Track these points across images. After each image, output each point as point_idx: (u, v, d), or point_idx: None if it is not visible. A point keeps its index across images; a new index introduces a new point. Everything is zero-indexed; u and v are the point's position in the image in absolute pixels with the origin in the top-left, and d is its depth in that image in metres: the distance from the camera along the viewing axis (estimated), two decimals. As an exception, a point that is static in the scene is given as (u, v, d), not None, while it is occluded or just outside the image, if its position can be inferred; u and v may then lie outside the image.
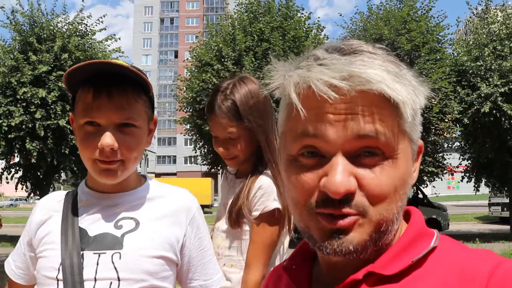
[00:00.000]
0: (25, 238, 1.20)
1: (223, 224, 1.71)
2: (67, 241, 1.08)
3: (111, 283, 1.05)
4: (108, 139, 1.04)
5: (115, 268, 1.06)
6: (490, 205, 21.70)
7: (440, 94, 13.32)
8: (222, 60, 13.57)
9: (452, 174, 17.15)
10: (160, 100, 66.69)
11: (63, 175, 16.34)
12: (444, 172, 15.87)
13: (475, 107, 13.78)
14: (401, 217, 0.66)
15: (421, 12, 15.35)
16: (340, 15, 17.24)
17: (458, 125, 14.96)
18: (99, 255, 1.07)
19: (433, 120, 13.64)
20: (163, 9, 73.13)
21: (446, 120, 14.35)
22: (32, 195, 15.59)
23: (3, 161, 14.60)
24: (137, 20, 73.47)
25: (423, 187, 16.32)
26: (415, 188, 16.00)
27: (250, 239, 1.62)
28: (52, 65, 12.93)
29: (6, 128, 12.65)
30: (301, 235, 0.68)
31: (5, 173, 14.83)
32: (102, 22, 14.52)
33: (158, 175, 58.17)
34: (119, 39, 15.08)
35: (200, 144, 15.58)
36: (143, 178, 1.25)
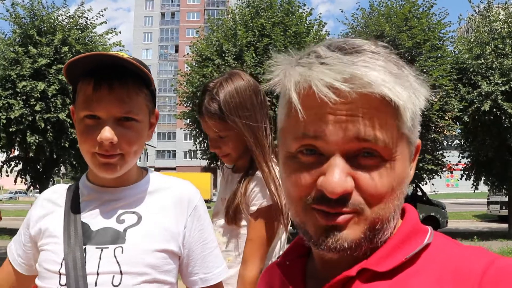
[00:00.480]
0: (26, 230, 1.20)
1: (221, 220, 1.71)
2: (70, 235, 1.08)
3: (113, 276, 1.05)
4: (107, 132, 1.03)
5: (118, 262, 1.06)
6: (488, 203, 21.73)
7: (440, 92, 13.31)
8: (223, 55, 13.54)
9: (452, 172, 17.18)
10: (160, 94, 66.60)
11: (62, 169, 16.35)
12: (444, 170, 15.88)
13: (476, 105, 13.77)
14: (397, 215, 0.66)
15: (423, 9, 15.31)
16: (342, 11, 17.19)
17: (458, 123, 14.96)
18: (101, 250, 1.07)
19: (433, 117, 13.64)
20: (164, 3, 72.91)
21: (446, 118, 14.35)
22: (31, 188, 15.61)
23: (3, 154, 14.60)
24: (138, 14, 73.27)
25: (422, 185, 16.34)
26: (414, 185, 16.02)
27: (247, 234, 1.63)
28: (52, 58, 12.90)
29: (5, 121, 12.64)
30: (296, 231, 0.68)
31: (5, 166, 14.84)
32: (102, 15, 14.50)
33: (157, 169, 58.06)
34: (120, 32, 15.05)
35: (200, 138, 15.57)
36: (144, 171, 1.24)
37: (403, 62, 0.64)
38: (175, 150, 68.06)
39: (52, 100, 12.81)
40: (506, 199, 16.44)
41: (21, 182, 15.22)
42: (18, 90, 12.51)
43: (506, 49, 13.80)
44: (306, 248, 0.75)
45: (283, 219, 1.62)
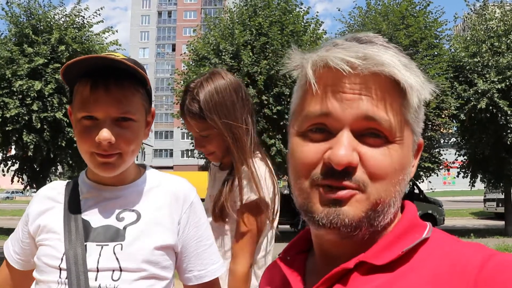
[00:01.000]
0: (24, 226, 1.22)
1: (209, 217, 1.72)
2: (71, 231, 1.10)
3: (113, 272, 1.07)
4: (105, 133, 1.06)
5: (117, 259, 1.08)
6: (485, 200, 21.79)
7: (437, 90, 13.31)
8: (220, 54, 13.53)
9: (448, 170, 17.22)
10: (157, 93, 66.49)
11: (59, 168, 16.30)
12: (440, 167, 15.91)
13: (472, 103, 13.81)
14: (398, 204, 0.68)
15: (419, 7, 15.33)
16: (339, 9, 17.19)
17: (454, 121, 15.00)
18: (102, 247, 1.09)
19: (430, 115, 13.67)
20: (161, 2, 72.73)
21: (443, 116, 14.38)
22: (28, 187, 15.56)
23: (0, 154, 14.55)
24: (135, 13, 73.05)
25: (419, 182, 16.38)
26: (411, 183, 16.05)
27: (236, 229, 1.65)
28: (49, 57, 12.84)
29: (1, 120, 12.59)
30: (298, 229, 0.69)
31: (2, 165, 14.78)
32: (99, 14, 14.44)
33: (154, 168, 57.95)
34: (117, 31, 15.00)
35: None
36: (142, 169, 1.26)
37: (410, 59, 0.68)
38: (172, 149, 67.97)
39: (49, 99, 12.75)
40: (503, 196, 16.49)
41: (18, 181, 15.17)
42: (15, 89, 12.46)
43: (502, 47, 13.84)
44: (307, 243, 0.77)
45: (269, 214, 1.66)
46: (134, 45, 71.17)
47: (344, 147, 0.62)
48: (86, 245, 1.09)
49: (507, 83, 13.40)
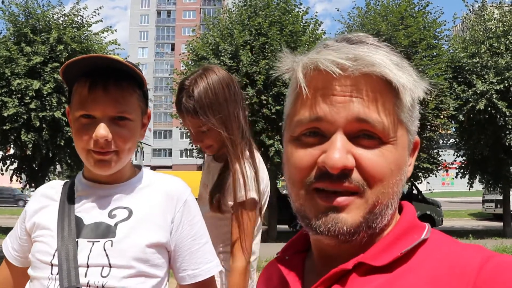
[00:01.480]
0: (22, 224, 1.24)
1: (204, 207, 1.78)
2: (64, 228, 1.12)
3: (102, 268, 1.09)
4: (102, 130, 1.08)
5: (107, 255, 1.09)
6: (484, 201, 21.81)
7: (436, 91, 13.35)
8: (219, 54, 13.52)
9: (447, 171, 17.26)
10: (156, 93, 66.44)
11: (58, 167, 16.28)
12: (439, 168, 15.92)
13: (471, 104, 13.82)
14: (396, 205, 0.67)
15: (418, 8, 15.34)
16: (338, 10, 17.20)
17: (453, 122, 15.01)
18: (92, 243, 1.11)
19: (429, 116, 13.68)
20: (160, 2, 72.68)
21: (442, 117, 14.39)
22: (27, 186, 15.53)
23: (-2, 153, 14.53)
24: (134, 12, 72.99)
25: (418, 183, 16.39)
26: (409, 184, 16.06)
27: (232, 227, 1.70)
28: (48, 57, 12.83)
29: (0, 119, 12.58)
30: (296, 229, 0.69)
31: (0, 164, 14.75)
32: (98, 14, 14.42)
33: (153, 168, 57.70)
34: (116, 31, 14.98)
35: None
36: (137, 169, 1.28)
37: (403, 57, 0.67)
38: (171, 149, 67.92)
39: (48, 98, 12.73)
40: (501, 197, 16.51)
41: (17, 180, 15.16)
42: (13, 88, 12.43)
43: (501, 48, 13.85)
44: (305, 244, 0.77)
45: (259, 210, 1.73)
46: (133, 44, 71.10)
47: (338, 150, 0.61)
48: (77, 241, 1.11)
49: (506, 84, 13.42)
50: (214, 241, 1.73)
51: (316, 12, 15.18)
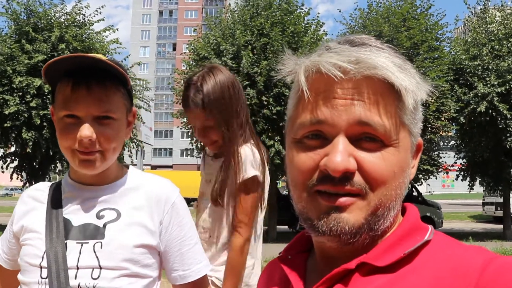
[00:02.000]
0: (10, 226, 1.24)
1: (206, 200, 1.85)
2: (52, 230, 1.11)
3: (92, 270, 1.08)
4: (86, 130, 1.07)
5: (97, 257, 1.09)
6: (484, 204, 21.80)
7: (437, 93, 13.34)
8: (220, 54, 13.52)
9: (447, 173, 17.22)
10: (157, 92, 66.43)
11: (58, 166, 16.29)
12: (439, 170, 15.92)
13: (472, 106, 13.81)
14: (398, 207, 0.67)
15: (421, 10, 15.34)
16: (340, 11, 17.20)
17: (454, 124, 15.00)
18: (81, 245, 1.10)
19: (430, 118, 13.67)
20: (162, 1, 72.70)
21: (443, 119, 14.38)
22: (27, 184, 15.55)
23: (-1, 151, 14.54)
24: (136, 11, 73.02)
25: (418, 185, 16.38)
26: (409, 185, 16.03)
27: (235, 205, 1.77)
28: (49, 55, 12.84)
29: (0, 117, 12.58)
30: (296, 229, 0.69)
31: (1, 162, 14.77)
32: (100, 13, 14.43)
33: (154, 167, 58.10)
34: (117, 30, 14.99)
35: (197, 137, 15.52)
36: (125, 168, 1.27)
37: (405, 59, 0.67)
38: (171, 148, 67.95)
39: (49, 96, 12.74)
40: (501, 200, 16.49)
41: (17, 178, 15.16)
42: (15, 86, 12.44)
43: (503, 51, 13.83)
44: (308, 243, 0.77)
45: (261, 192, 1.79)
46: (135, 43, 71.11)
47: (340, 153, 0.61)
48: (66, 243, 1.10)
49: (507, 87, 13.40)
50: (220, 232, 1.79)
51: (318, 13, 15.17)
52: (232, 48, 13.33)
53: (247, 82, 12.65)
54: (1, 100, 12.61)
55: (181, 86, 14.85)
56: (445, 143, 17.21)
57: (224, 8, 16.50)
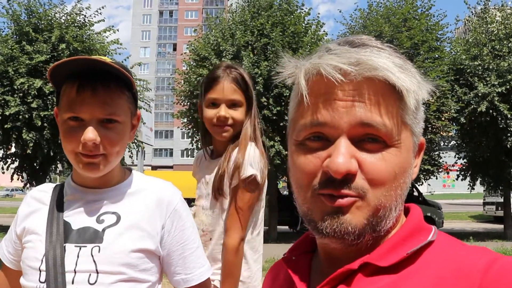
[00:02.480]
0: (14, 227, 1.23)
1: (205, 202, 1.83)
2: (52, 233, 1.11)
3: (89, 275, 1.08)
4: (90, 133, 1.07)
5: (94, 261, 1.09)
6: (484, 204, 21.78)
7: (437, 93, 13.34)
8: (220, 54, 13.53)
9: (448, 173, 17.21)
10: (157, 93, 66.46)
11: (59, 166, 16.31)
12: (440, 170, 15.91)
13: (472, 106, 13.80)
14: (400, 207, 0.67)
15: (421, 10, 15.34)
16: (340, 11, 17.21)
17: (454, 124, 14.99)
18: (80, 248, 1.10)
19: (430, 118, 13.67)
20: (162, 2, 72.74)
21: (443, 119, 14.38)
22: (28, 185, 15.56)
23: (0, 152, 14.54)
24: (136, 12, 73.06)
25: (419, 185, 16.38)
26: (410, 185, 16.02)
27: (228, 204, 1.74)
28: (50, 56, 12.85)
29: (1, 118, 12.59)
30: (297, 229, 0.69)
31: (1, 163, 14.78)
32: (100, 13, 14.44)
33: (154, 167, 58.13)
34: (118, 30, 15.00)
35: (197, 137, 15.55)
36: (127, 171, 1.26)
37: (406, 59, 0.67)
38: (172, 149, 67.97)
39: (49, 97, 12.76)
40: (502, 200, 16.49)
41: (18, 179, 15.17)
42: (16, 87, 12.45)
43: (503, 51, 13.83)
44: (313, 244, 0.77)
45: (260, 192, 1.77)
46: (135, 44, 71.15)
47: (342, 155, 0.61)
48: (65, 246, 1.10)
49: (508, 87, 13.39)
50: (220, 232, 1.76)
51: (319, 13, 15.18)
52: (232, 48, 13.34)
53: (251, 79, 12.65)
54: (2, 101, 12.62)
55: (181, 86, 14.88)
56: (446, 143, 17.20)
57: (225, 8, 16.50)
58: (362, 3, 17.15)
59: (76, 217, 1.14)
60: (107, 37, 14.70)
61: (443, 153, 16.12)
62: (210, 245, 1.78)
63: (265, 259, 7.12)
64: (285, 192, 17.76)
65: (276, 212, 14.40)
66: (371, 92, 0.62)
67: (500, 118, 13.55)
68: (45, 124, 12.85)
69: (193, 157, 2.35)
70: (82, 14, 14.23)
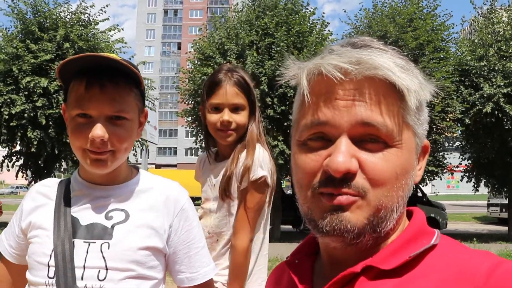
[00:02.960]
0: (18, 221, 1.23)
1: (213, 205, 1.82)
2: (60, 228, 1.11)
3: (99, 271, 1.08)
4: (99, 130, 1.07)
5: (103, 257, 1.09)
6: (489, 205, 21.71)
7: (442, 93, 13.29)
8: (225, 53, 13.53)
9: (452, 174, 17.14)
10: (162, 91, 66.60)
11: (64, 164, 16.37)
12: (444, 171, 15.86)
13: (477, 107, 13.74)
14: (402, 209, 0.67)
15: (427, 10, 15.28)
16: (345, 11, 17.18)
17: (459, 125, 14.94)
18: (89, 244, 1.10)
19: (435, 119, 13.63)
20: (167, 1, 72.85)
21: (448, 120, 14.32)
22: (32, 183, 15.63)
23: (5, 149, 14.61)
24: (141, 11, 73.22)
25: (423, 186, 16.32)
26: (414, 186, 15.97)
27: (237, 206, 1.73)
28: (55, 54, 12.90)
29: (7, 117, 12.65)
30: (300, 229, 0.69)
31: (6, 161, 14.85)
32: (105, 12, 14.48)
33: (158, 166, 58.27)
34: (122, 29, 15.04)
35: (201, 136, 15.57)
36: (134, 170, 1.27)
37: (409, 60, 0.67)
38: (176, 148, 68.08)
39: (54, 96, 12.81)
40: (506, 201, 16.41)
41: (22, 176, 15.25)
42: (21, 86, 12.50)
43: (509, 51, 13.75)
44: (315, 247, 0.77)
45: (269, 194, 1.76)
46: (140, 43, 71.31)
47: (342, 154, 0.61)
48: (74, 242, 1.10)
49: (513, 88, 13.33)
50: (228, 235, 1.76)
51: (323, 13, 15.16)
52: (236, 47, 13.34)
53: (252, 81, 12.64)
54: (8, 100, 12.68)
55: (186, 85, 14.91)
56: (450, 144, 17.14)
57: (230, 7, 16.52)
58: (367, 3, 17.19)
59: (84, 213, 1.15)
60: (111, 36, 14.75)
61: (447, 154, 16.07)
62: (216, 247, 1.77)
63: (268, 259, 7.11)
64: (289, 192, 17.75)
65: (280, 212, 14.40)
66: (371, 92, 0.63)
67: (505, 119, 13.48)
68: (50, 123, 12.90)
69: (197, 155, 2.33)
70: (87, 13, 14.27)
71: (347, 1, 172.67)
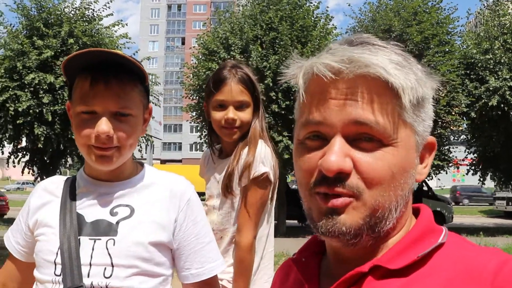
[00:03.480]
0: (24, 218, 1.23)
1: (216, 202, 1.81)
2: (65, 225, 1.11)
3: (105, 268, 1.08)
4: (104, 126, 1.07)
5: (109, 254, 1.08)
6: (495, 199, 21.63)
7: (448, 87, 13.21)
8: (229, 48, 13.51)
9: (458, 167, 17.08)
10: (166, 86, 66.61)
11: (69, 160, 16.44)
12: (450, 165, 15.80)
13: (483, 100, 13.66)
14: (402, 208, 0.66)
15: (432, 3, 15.17)
16: (349, 5, 17.06)
17: (465, 118, 14.86)
18: (94, 241, 1.10)
19: (440, 112, 13.56)
20: (171, -4, 72.72)
21: (453, 113, 14.25)
22: (38, 179, 15.71)
23: (11, 145, 14.69)
24: (145, 5, 73.13)
25: (428, 180, 16.27)
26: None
27: (240, 202, 1.73)
28: (59, 50, 12.92)
29: (13, 113, 12.70)
30: (305, 223, 0.69)
31: (12, 157, 14.94)
32: (109, 7, 14.47)
33: (163, 161, 58.42)
34: (126, 24, 15.03)
35: (206, 131, 15.57)
36: (139, 166, 1.26)
37: (411, 57, 0.66)
38: (181, 143, 68.20)
39: (60, 92, 12.84)
40: (513, 195, 16.35)
41: (28, 173, 15.33)
42: (27, 82, 12.54)
43: (515, 44, 13.65)
44: (322, 246, 0.77)
45: (271, 190, 1.75)
46: (144, 38, 71.25)
47: (335, 154, 0.61)
48: (79, 239, 1.10)
49: (519, 81, 13.23)
50: (231, 231, 1.76)
51: (327, 7, 15.08)
52: (240, 42, 13.31)
53: (256, 77, 12.63)
54: (13, 96, 12.73)
55: (190, 80, 14.91)
56: (456, 138, 17.06)
57: (233, 2, 16.46)
58: (371, -4, 16.96)
59: (89, 210, 1.15)
60: (116, 32, 14.74)
61: (453, 147, 16.00)
62: (220, 244, 1.76)
63: (274, 254, 7.13)
64: (294, 186, 17.76)
65: (285, 207, 14.42)
66: (364, 90, 0.62)
67: (511, 113, 13.39)
68: (56, 119, 12.94)
69: (202, 151, 2.33)
70: (91, 9, 14.27)
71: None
